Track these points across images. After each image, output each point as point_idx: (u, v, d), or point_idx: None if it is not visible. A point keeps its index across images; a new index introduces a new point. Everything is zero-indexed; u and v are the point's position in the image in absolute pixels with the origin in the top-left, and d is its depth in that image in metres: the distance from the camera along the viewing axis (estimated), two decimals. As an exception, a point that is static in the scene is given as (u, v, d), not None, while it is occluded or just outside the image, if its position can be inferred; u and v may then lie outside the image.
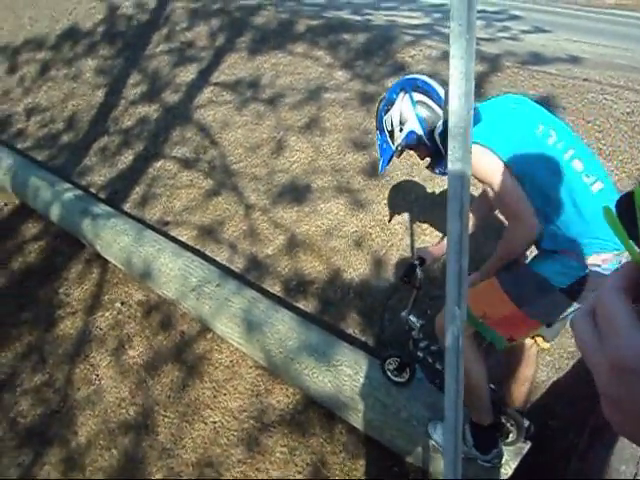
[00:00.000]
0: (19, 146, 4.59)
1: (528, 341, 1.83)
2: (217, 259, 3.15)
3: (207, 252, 3.22)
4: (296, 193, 3.40)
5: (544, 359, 2.41)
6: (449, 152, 0.69)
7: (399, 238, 2.96)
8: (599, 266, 1.49)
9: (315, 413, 2.32)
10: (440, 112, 1.67)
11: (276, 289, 2.91)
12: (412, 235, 2.95)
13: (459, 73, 0.57)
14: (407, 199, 3.14)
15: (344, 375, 2.14)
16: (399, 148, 1.75)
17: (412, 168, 3.23)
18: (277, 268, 3.01)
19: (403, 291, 1.94)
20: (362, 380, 2.11)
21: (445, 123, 1.65)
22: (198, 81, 4.59)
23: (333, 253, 3.00)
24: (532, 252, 1.72)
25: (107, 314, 2.97)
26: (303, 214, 3.25)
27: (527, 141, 1.56)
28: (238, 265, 3.09)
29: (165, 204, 3.64)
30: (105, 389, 2.58)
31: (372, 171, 3.38)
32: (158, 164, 3.98)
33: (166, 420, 2.40)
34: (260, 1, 5.49)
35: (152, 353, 2.71)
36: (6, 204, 4.00)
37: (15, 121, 4.92)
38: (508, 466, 1.80)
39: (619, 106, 3.39)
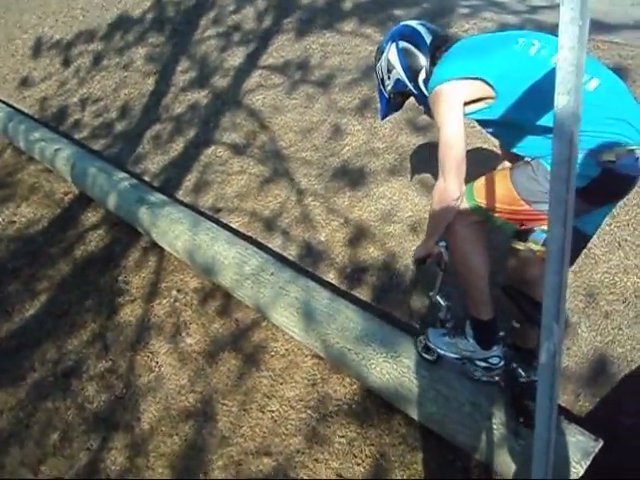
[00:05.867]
0: (76, 136, 4.71)
1: (522, 245, 1.80)
2: (270, 246, 3.14)
3: (260, 239, 3.21)
4: (349, 177, 3.33)
5: (615, 350, 2.28)
6: (553, 153, 0.61)
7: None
8: (613, 163, 1.44)
9: (373, 404, 2.29)
10: (424, 59, 1.75)
11: (330, 276, 2.87)
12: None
13: (569, 66, 0.50)
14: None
15: (403, 367, 2.09)
16: (391, 95, 1.89)
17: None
18: (331, 255, 2.97)
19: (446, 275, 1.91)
20: (423, 372, 2.05)
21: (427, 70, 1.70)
22: (246, 65, 4.56)
23: (388, 239, 2.92)
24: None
25: (164, 301, 3.03)
26: (356, 199, 3.18)
27: (506, 57, 1.56)
28: (291, 252, 3.07)
29: (217, 191, 3.66)
30: (165, 376, 2.63)
31: (427, 152, 3.26)
32: (209, 151, 3.99)
33: (224, 408, 2.43)
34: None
35: (209, 341, 2.74)
36: (66, 193, 4.12)
37: (72, 112, 5.04)
38: (580, 465, 1.71)
39: (698, 75, 3.12)
